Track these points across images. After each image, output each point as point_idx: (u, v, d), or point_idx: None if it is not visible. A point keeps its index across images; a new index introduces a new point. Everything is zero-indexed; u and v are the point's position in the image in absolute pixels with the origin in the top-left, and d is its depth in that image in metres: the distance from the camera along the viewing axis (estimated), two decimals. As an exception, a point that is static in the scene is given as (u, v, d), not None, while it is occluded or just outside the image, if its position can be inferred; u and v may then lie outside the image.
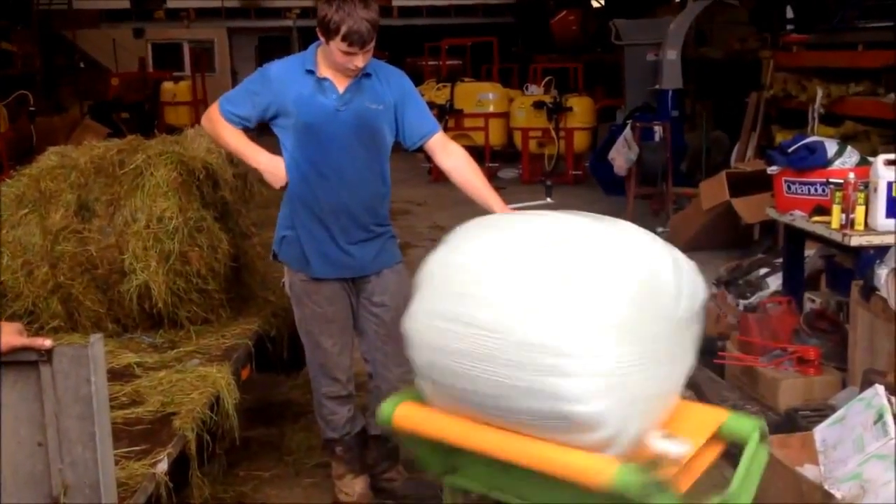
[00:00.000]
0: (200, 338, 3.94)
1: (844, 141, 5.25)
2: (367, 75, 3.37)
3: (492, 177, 12.03)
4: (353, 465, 3.68)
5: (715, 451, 2.50)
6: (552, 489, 2.27)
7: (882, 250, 4.01)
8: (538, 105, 12.67)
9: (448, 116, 12.82)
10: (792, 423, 3.72)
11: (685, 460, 2.27)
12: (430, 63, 17.51)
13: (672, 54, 10.79)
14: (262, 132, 3.55)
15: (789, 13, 11.07)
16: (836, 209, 4.28)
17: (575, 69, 15.11)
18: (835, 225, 4.29)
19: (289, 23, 22.21)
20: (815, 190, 4.54)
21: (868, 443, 2.96)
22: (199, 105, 16.02)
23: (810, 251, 5.29)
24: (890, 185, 4.18)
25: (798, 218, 4.59)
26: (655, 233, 2.46)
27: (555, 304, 2.17)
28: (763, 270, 5.71)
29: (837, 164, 4.52)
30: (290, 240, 3.49)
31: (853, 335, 4.08)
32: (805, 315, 4.61)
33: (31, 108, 12.18)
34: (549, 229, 2.38)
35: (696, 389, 4.27)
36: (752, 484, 2.42)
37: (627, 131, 9.84)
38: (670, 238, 7.97)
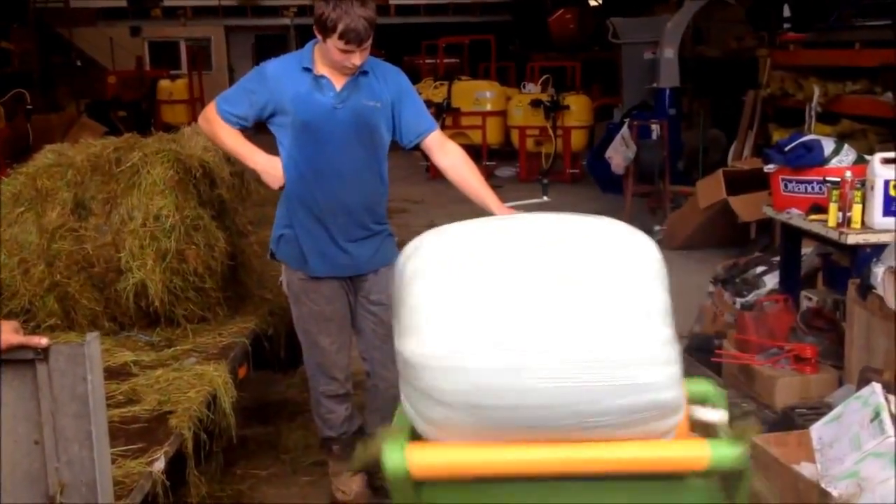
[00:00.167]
0: (197, 336, 3.93)
1: (841, 139, 5.26)
2: (365, 73, 3.37)
3: (489, 175, 12.03)
4: (350, 464, 3.68)
5: None
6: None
7: (879, 248, 4.01)
8: (535, 103, 12.65)
9: (445, 115, 12.80)
10: (789, 422, 3.72)
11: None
12: (428, 61, 17.49)
13: (669, 53, 10.78)
14: (258, 131, 3.54)
15: (786, 12, 11.06)
16: (832, 207, 4.28)
17: (572, 67, 15.09)
18: (831, 223, 4.29)
19: (286, 21, 22.24)
20: (812, 188, 4.54)
21: (865, 441, 2.95)
22: (195, 103, 15.98)
23: (807, 249, 5.28)
24: (886, 183, 4.18)
25: (795, 216, 4.59)
26: (653, 231, 2.45)
27: (609, 298, 2.03)
28: (760, 269, 5.70)
29: (834, 163, 4.52)
30: (288, 238, 3.49)
31: (850, 333, 4.08)
32: (802, 313, 4.61)
33: (28, 107, 12.15)
34: (563, 228, 2.30)
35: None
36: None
37: (625, 129, 9.83)
38: (667, 236, 7.97)
